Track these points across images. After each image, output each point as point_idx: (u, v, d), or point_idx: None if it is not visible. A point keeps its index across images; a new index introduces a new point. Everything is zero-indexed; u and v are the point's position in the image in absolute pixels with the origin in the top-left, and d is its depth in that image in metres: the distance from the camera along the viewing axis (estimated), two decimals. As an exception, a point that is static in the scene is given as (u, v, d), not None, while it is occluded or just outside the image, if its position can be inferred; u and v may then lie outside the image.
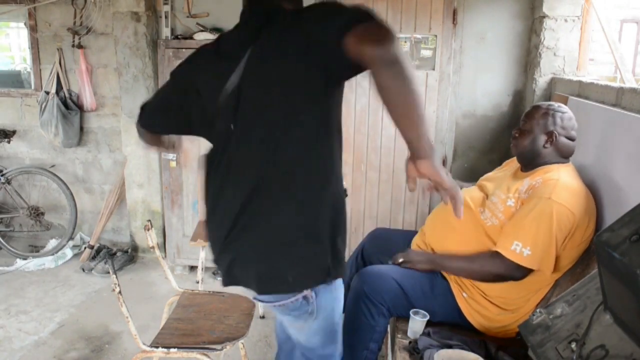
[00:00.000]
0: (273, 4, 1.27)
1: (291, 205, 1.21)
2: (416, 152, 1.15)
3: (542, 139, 1.83)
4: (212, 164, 1.33)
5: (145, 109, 1.58)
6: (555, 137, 1.82)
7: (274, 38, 1.20)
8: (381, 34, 1.12)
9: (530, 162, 1.88)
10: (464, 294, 1.83)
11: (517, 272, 1.69)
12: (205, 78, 1.34)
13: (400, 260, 1.89)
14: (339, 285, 1.34)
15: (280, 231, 1.22)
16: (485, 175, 2.15)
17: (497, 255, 1.71)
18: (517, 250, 1.65)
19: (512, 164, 2.10)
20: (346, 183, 3.41)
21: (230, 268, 1.30)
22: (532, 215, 1.66)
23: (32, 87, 3.63)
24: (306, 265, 1.24)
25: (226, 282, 1.34)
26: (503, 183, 1.92)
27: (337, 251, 1.26)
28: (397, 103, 1.18)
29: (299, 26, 1.19)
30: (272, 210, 1.22)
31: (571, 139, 1.84)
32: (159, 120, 1.57)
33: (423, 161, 1.16)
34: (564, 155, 1.85)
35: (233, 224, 1.24)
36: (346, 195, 1.41)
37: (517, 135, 1.90)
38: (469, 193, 1.97)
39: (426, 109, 3.23)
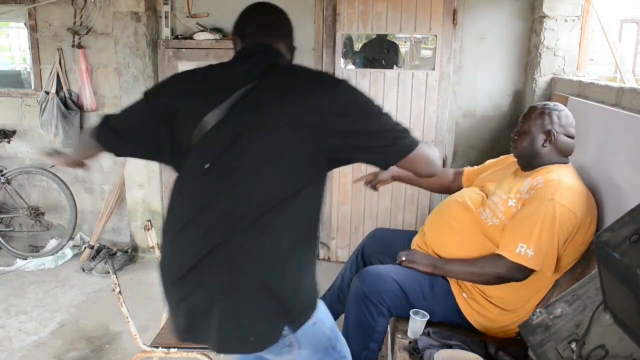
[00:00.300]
0: (277, 56, 1.30)
1: (262, 262, 1.15)
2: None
3: (541, 138, 1.83)
4: (179, 195, 1.24)
5: (108, 124, 1.37)
6: (554, 135, 1.81)
7: (278, 90, 1.19)
8: (430, 163, 1.35)
9: (530, 163, 1.87)
10: (464, 295, 1.83)
11: (519, 274, 1.69)
12: (189, 107, 1.24)
13: (403, 258, 1.89)
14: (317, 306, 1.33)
15: (246, 288, 1.15)
16: (484, 175, 2.14)
17: (499, 257, 1.71)
18: (522, 252, 1.65)
19: (509, 160, 2.10)
20: (346, 183, 3.41)
21: (192, 318, 1.18)
22: (535, 216, 1.66)
23: (32, 87, 3.63)
24: (267, 325, 1.19)
25: (185, 337, 1.23)
26: (504, 183, 1.92)
27: (301, 305, 1.28)
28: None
29: (317, 100, 1.17)
30: (240, 262, 1.14)
31: (570, 136, 1.84)
32: (122, 140, 1.37)
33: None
34: (564, 154, 1.85)
35: (193, 265, 1.15)
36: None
37: (515, 138, 1.90)
38: (468, 193, 1.97)
39: (426, 109, 3.24)
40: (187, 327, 1.20)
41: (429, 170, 1.35)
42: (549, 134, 1.82)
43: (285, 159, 1.16)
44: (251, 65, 1.24)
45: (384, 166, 1.32)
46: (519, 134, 1.89)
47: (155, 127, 1.27)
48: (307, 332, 1.28)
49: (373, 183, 2.23)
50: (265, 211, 1.14)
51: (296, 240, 1.24)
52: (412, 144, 1.25)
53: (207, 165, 1.17)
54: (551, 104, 1.88)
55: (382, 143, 1.24)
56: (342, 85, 1.21)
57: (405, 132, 1.25)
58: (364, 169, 3.36)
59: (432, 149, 1.34)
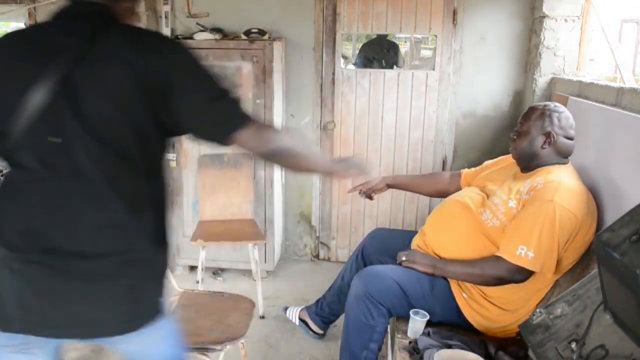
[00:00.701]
0: (109, 10, 1.17)
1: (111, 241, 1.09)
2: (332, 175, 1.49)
3: (540, 140, 1.82)
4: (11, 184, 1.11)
5: None
6: (554, 137, 1.81)
7: (114, 53, 1.08)
8: (265, 137, 1.15)
9: (529, 164, 1.87)
10: (464, 295, 1.83)
11: (520, 275, 1.69)
12: (10, 72, 1.09)
13: (403, 258, 1.89)
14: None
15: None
16: (484, 174, 2.14)
17: (499, 259, 1.71)
18: (523, 254, 1.65)
19: (509, 160, 2.09)
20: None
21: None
22: (535, 218, 1.66)
23: (32, 87, 3.63)
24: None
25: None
26: (504, 184, 1.92)
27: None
28: (297, 171, 1.31)
29: (154, 67, 1.08)
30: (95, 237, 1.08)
31: (570, 138, 1.84)
32: None
33: (336, 176, 1.50)
34: (564, 155, 1.85)
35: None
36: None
37: (515, 138, 1.89)
38: (469, 193, 1.97)
39: (426, 109, 3.24)
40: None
41: (264, 147, 1.15)
42: (548, 135, 1.81)
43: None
44: (79, 28, 1.12)
45: (216, 139, 1.15)
46: (518, 134, 1.88)
47: None
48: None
49: (368, 193, 2.23)
50: (128, 192, 1.12)
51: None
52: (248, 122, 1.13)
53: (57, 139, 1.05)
54: (551, 104, 1.88)
55: (213, 113, 1.13)
56: (180, 47, 1.18)
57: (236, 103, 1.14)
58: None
59: (274, 139, 1.17)
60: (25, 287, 1.07)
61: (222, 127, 1.12)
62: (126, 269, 1.11)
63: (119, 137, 1.07)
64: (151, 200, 1.15)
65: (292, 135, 1.25)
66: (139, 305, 1.16)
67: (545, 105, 1.87)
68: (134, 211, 1.10)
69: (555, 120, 1.82)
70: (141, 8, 3.18)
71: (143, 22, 3.20)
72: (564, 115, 1.85)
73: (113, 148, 1.06)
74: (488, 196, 1.92)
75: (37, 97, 1.02)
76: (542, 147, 1.82)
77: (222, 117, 1.13)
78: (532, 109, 1.88)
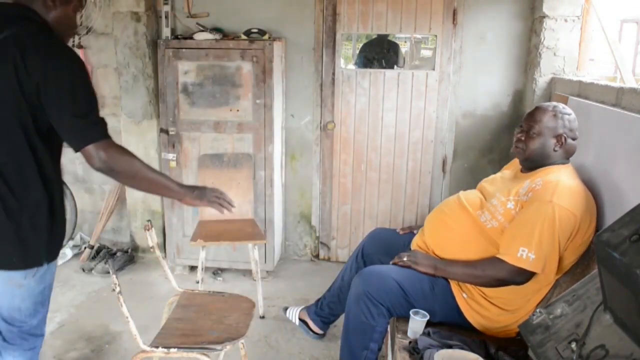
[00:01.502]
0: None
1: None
2: (178, 198, 1.69)
3: (552, 142, 1.82)
4: None
5: None
6: (565, 139, 1.82)
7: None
8: (107, 159, 1.46)
9: (536, 165, 1.86)
10: (464, 295, 1.83)
11: (521, 277, 1.69)
12: None
13: (405, 258, 1.89)
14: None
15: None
16: (486, 178, 2.14)
17: (500, 261, 1.71)
18: (524, 256, 1.65)
19: (513, 166, 2.10)
20: (346, 183, 3.41)
21: None
22: (535, 219, 1.66)
23: (32, 87, 3.63)
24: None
25: None
26: (503, 185, 1.92)
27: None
28: (139, 189, 1.67)
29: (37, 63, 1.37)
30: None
31: (575, 139, 1.85)
32: None
33: (184, 201, 1.69)
34: (568, 156, 1.86)
35: None
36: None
37: (523, 139, 1.87)
38: (466, 196, 1.98)
39: (426, 109, 3.24)
40: None
41: (98, 164, 1.46)
42: (560, 137, 1.81)
43: None
44: None
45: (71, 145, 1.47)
46: (527, 135, 1.86)
47: None
48: None
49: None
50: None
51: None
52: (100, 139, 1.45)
53: None
54: (560, 106, 1.87)
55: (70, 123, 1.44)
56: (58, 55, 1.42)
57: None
58: (364, 168, 3.37)
59: (120, 156, 1.50)
60: None
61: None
62: None
63: None
64: None
65: (134, 160, 1.51)
66: None
67: (555, 107, 1.86)
68: None
69: (566, 123, 1.83)
70: (141, 8, 3.18)
71: (143, 22, 3.20)
72: (572, 117, 1.85)
73: None
74: (486, 198, 1.92)
75: None
76: (554, 150, 1.82)
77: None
78: (542, 110, 1.86)
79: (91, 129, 1.44)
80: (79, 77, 1.42)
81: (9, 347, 1.61)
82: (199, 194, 1.71)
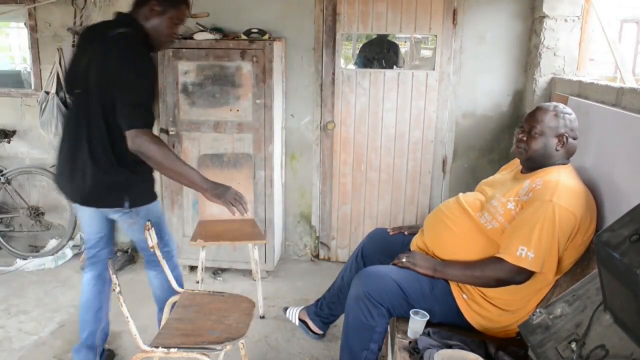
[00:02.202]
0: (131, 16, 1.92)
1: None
2: (201, 192, 1.90)
3: (554, 142, 1.82)
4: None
5: None
6: (566, 139, 1.82)
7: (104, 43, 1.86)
8: (140, 147, 1.78)
9: (537, 165, 1.86)
10: (464, 296, 1.83)
11: (520, 276, 1.69)
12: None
13: (404, 259, 1.89)
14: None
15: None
16: (485, 180, 2.14)
17: (499, 260, 1.71)
18: (523, 255, 1.65)
19: (512, 166, 2.10)
20: (346, 183, 3.41)
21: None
22: (535, 219, 1.66)
23: (32, 87, 3.63)
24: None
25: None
26: (503, 186, 1.92)
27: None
28: (167, 176, 1.96)
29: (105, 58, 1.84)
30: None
31: (575, 138, 1.85)
32: None
33: (205, 196, 1.89)
34: (569, 156, 1.86)
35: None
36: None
37: (524, 139, 1.86)
38: (465, 198, 1.97)
39: (426, 109, 3.24)
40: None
41: (133, 147, 1.79)
42: (561, 137, 1.81)
43: None
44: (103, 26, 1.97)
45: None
46: (529, 135, 1.85)
47: None
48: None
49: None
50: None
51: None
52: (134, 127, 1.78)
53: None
54: (560, 106, 1.87)
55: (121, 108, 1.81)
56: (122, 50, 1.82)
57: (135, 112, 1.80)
58: (364, 169, 3.37)
59: (149, 144, 1.79)
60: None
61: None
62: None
63: None
64: None
65: (162, 151, 1.79)
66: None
67: (555, 106, 1.86)
68: None
69: (568, 122, 1.82)
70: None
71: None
72: (573, 117, 1.85)
73: None
74: (487, 199, 1.92)
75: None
76: (556, 149, 1.82)
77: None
78: (543, 110, 1.86)
79: (135, 117, 1.78)
80: (137, 76, 1.79)
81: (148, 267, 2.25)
82: (220, 192, 1.88)
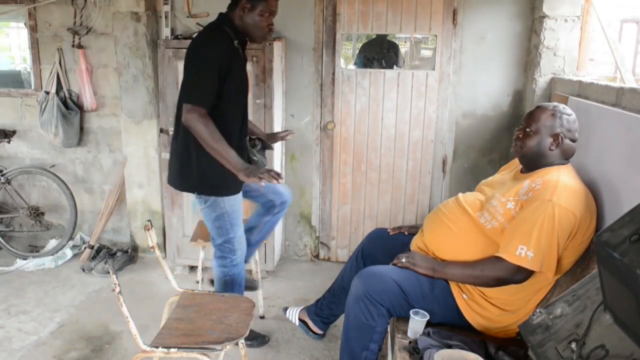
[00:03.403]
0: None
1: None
2: (233, 171, 2.06)
3: (548, 141, 1.82)
4: None
5: None
6: (561, 139, 1.81)
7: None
8: (187, 120, 2.02)
9: (533, 164, 1.87)
10: (464, 296, 1.83)
11: (519, 275, 1.69)
12: None
13: (404, 260, 1.89)
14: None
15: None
16: (484, 180, 2.14)
17: (499, 260, 1.70)
18: (522, 254, 1.65)
19: (511, 166, 2.10)
20: (346, 183, 3.41)
21: None
22: (534, 218, 1.66)
23: (32, 87, 3.63)
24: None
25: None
26: (503, 186, 1.92)
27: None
28: (210, 152, 2.06)
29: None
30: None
31: (574, 140, 1.84)
32: None
33: (238, 176, 2.05)
34: (567, 157, 1.85)
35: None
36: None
37: (521, 137, 1.87)
38: (465, 198, 1.97)
39: (426, 109, 3.24)
40: None
41: (185, 122, 2.03)
42: (556, 137, 1.81)
43: None
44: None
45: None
46: (525, 133, 1.86)
47: None
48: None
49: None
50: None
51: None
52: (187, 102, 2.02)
53: None
54: (560, 106, 1.86)
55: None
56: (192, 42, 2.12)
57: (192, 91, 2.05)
58: (364, 168, 3.37)
59: (195, 121, 2.00)
60: None
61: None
62: None
63: None
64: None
65: (206, 128, 1.99)
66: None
67: (555, 106, 1.86)
68: None
69: (565, 123, 1.82)
70: (141, 8, 3.19)
71: (143, 22, 3.20)
72: (572, 118, 1.84)
73: None
74: (486, 199, 1.92)
75: None
76: (549, 149, 1.82)
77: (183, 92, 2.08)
78: (542, 109, 1.86)
79: (191, 94, 2.02)
80: (198, 61, 2.04)
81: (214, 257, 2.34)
82: (250, 171, 2.04)
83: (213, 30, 2.13)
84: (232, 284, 2.32)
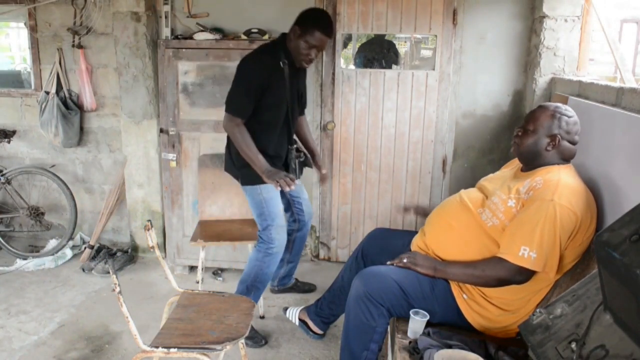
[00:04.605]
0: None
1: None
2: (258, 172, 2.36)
3: (545, 141, 1.82)
4: None
5: None
6: (558, 140, 1.80)
7: None
8: (225, 126, 2.39)
9: (531, 162, 1.87)
10: (464, 296, 1.83)
11: (521, 276, 1.69)
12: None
13: (405, 260, 1.89)
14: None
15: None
16: (485, 177, 2.14)
17: (501, 260, 1.70)
18: (525, 255, 1.65)
19: (513, 165, 2.10)
20: (346, 183, 3.41)
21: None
22: (536, 218, 1.66)
23: (32, 87, 3.63)
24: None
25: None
26: (504, 184, 1.92)
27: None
28: (242, 154, 2.40)
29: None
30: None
31: (573, 143, 1.84)
32: None
33: (261, 176, 2.35)
34: (565, 158, 1.85)
35: None
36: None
37: (519, 134, 1.88)
38: (468, 194, 1.97)
39: (426, 109, 3.24)
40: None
41: (225, 128, 2.39)
42: (553, 138, 1.81)
43: None
44: None
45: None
46: (523, 131, 1.87)
47: None
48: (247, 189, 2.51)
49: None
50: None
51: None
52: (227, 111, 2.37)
53: None
54: (562, 107, 1.86)
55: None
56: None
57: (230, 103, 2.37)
58: (364, 169, 3.37)
59: (232, 128, 2.35)
60: None
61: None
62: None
63: None
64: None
65: (239, 135, 2.33)
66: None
67: (556, 107, 1.85)
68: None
69: (564, 125, 1.81)
70: (141, 8, 3.19)
71: (143, 22, 3.20)
72: (573, 120, 1.83)
73: None
74: (487, 196, 1.92)
75: None
76: (545, 149, 1.82)
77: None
78: (543, 109, 1.86)
79: (230, 104, 2.35)
80: (241, 76, 2.34)
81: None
82: (269, 174, 2.32)
83: (262, 48, 2.45)
84: (254, 279, 2.49)
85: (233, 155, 2.49)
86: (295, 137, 2.65)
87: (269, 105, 2.37)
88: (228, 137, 2.48)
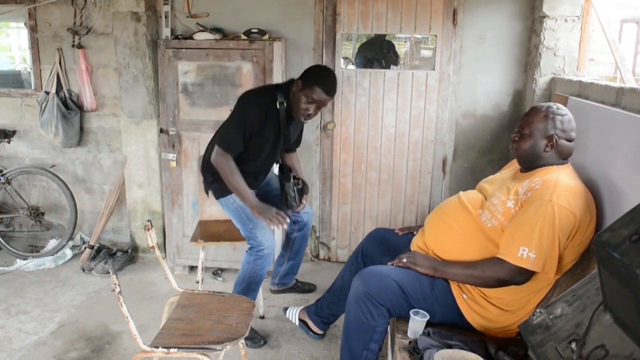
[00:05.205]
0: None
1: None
2: (248, 207, 2.44)
3: (543, 143, 1.82)
4: None
5: None
6: (556, 140, 1.81)
7: None
8: (215, 160, 2.41)
9: (531, 165, 1.87)
10: (464, 296, 1.83)
11: (521, 277, 1.69)
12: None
13: (404, 260, 1.89)
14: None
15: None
16: (485, 179, 2.14)
17: (500, 261, 1.70)
18: (524, 256, 1.65)
19: (512, 166, 2.10)
20: (346, 183, 3.41)
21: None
22: (535, 219, 1.66)
23: (32, 87, 3.63)
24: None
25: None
26: (503, 185, 1.92)
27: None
28: (230, 188, 2.44)
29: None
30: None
31: (570, 140, 1.84)
32: None
33: (251, 211, 2.43)
34: (564, 157, 1.85)
35: None
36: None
37: (516, 139, 1.88)
38: (467, 195, 1.97)
39: (426, 109, 3.24)
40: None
41: (214, 162, 2.41)
42: (550, 139, 1.81)
43: None
44: None
45: None
46: (520, 136, 1.87)
47: None
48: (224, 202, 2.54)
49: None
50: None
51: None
52: (219, 146, 2.40)
53: None
54: (554, 106, 1.86)
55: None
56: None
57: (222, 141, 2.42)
58: (364, 169, 3.37)
59: (222, 163, 2.39)
60: None
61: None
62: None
63: None
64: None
65: (228, 170, 2.36)
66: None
67: (548, 107, 1.85)
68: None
69: (558, 124, 1.81)
70: (141, 8, 3.19)
71: (143, 22, 3.20)
72: (567, 118, 1.83)
73: None
74: (487, 198, 1.92)
75: None
76: (544, 151, 1.82)
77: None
78: (535, 111, 1.86)
79: (221, 140, 2.41)
80: (239, 113, 2.39)
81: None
82: (261, 210, 2.38)
83: (264, 89, 2.56)
84: (249, 281, 2.50)
85: (206, 173, 2.54)
86: (290, 164, 2.74)
87: (259, 143, 2.42)
88: (203, 158, 2.56)
